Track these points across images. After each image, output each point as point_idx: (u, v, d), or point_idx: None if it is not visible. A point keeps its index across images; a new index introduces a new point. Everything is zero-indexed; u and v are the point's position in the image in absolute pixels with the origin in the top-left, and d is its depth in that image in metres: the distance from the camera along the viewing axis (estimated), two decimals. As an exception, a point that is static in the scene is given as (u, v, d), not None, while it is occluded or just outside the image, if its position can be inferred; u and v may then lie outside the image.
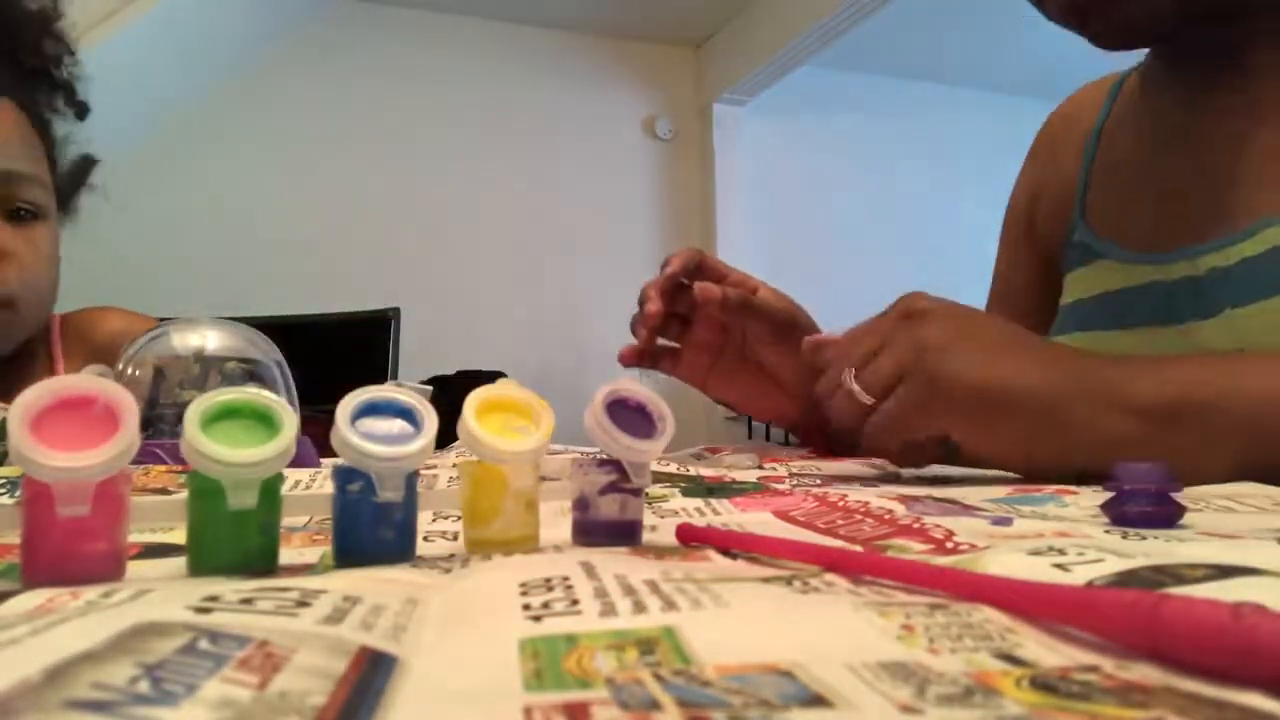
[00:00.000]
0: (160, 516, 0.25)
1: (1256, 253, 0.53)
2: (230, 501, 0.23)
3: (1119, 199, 0.65)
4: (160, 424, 0.51)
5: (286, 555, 0.26)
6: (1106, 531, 0.29)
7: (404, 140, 3.07)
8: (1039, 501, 0.37)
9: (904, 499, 0.36)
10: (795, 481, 0.45)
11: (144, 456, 0.43)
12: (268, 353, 0.57)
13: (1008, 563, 0.23)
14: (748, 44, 3.23)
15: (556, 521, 0.31)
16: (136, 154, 2.70)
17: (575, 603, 0.19)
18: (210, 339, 0.54)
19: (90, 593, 0.20)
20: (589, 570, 0.21)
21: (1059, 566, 0.22)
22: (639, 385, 0.29)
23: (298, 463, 0.33)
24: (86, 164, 0.90)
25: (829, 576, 0.22)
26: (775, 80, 3.27)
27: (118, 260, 2.64)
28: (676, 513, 0.35)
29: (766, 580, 0.21)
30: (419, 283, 2.92)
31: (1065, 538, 0.26)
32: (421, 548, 0.27)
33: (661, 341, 0.65)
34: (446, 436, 0.29)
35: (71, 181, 0.88)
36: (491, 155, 3.09)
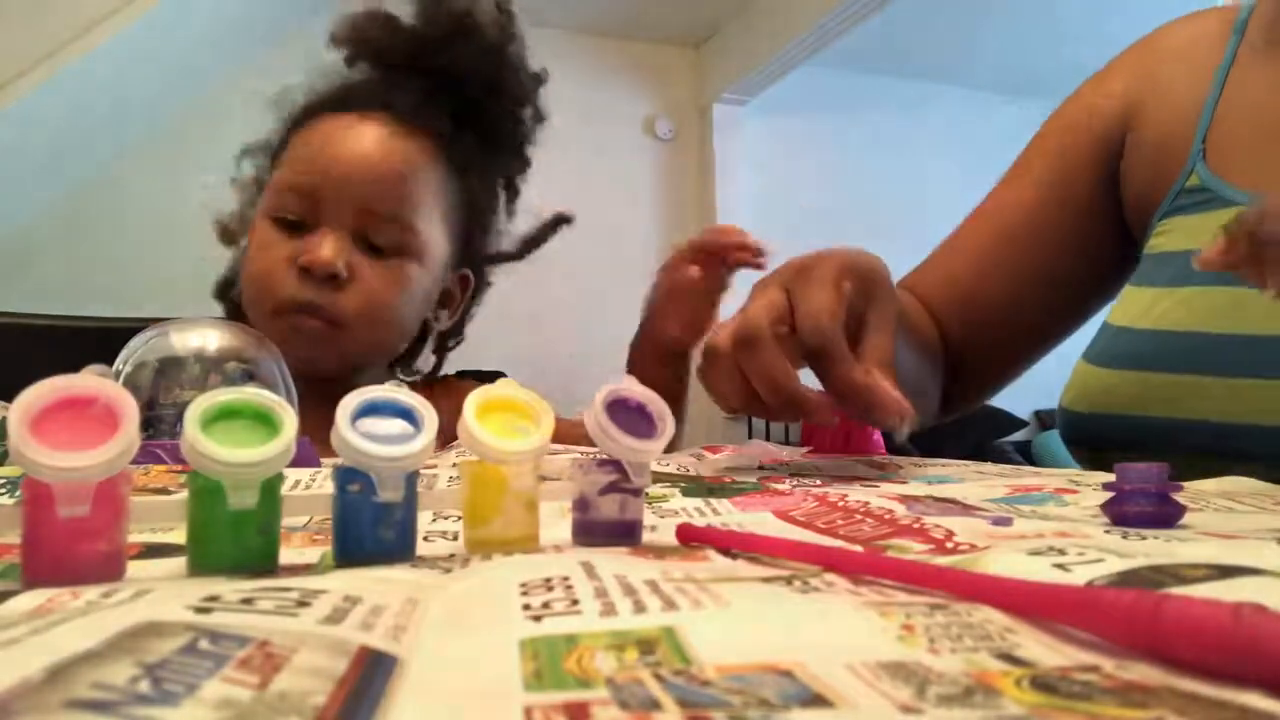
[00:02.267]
0: (160, 516, 0.25)
1: None
2: (230, 501, 0.23)
3: (1257, 147, 0.59)
4: (160, 424, 0.50)
5: (286, 555, 0.26)
6: (1106, 531, 0.29)
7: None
8: (1039, 501, 0.37)
9: (904, 499, 0.36)
10: (795, 482, 0.45)
11: (144, 456, 0.42)
12: (268, 353, 0.57)
13: (1008, 563, 0.23)
14: (748, 44, 3.23)
15: (556, 521, 0.31)
16: (138, 153, 2.70)
17: (575, 603, 0.19)
18: (211, 339, 0.54)
19: (90, 593, 0.20)
20: (589, 570, 0.21)
21: (1059, 566, 0.22)
22: (639, 385, 0.29)
23: (298, 463, 0.33)
24: (556, 222, 0.94)
25: (829, 576, 0.22)
26: (775, 80, 3.27)
27: (118, 261, 2.64)
28: (676, 513, 0.35)
29: (766, 580, 0.21)
30: (419, 283, 2.91)
31: (1065, 538, 0.26)
32: (421, 548, 0.27)
33: None
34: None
35: (536, 236, 0.93)
36: (491, 155, 3.09)
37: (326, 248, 0.73)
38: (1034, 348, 0.73)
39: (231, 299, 0.86)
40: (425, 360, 0.93)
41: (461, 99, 0.82)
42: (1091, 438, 0.59)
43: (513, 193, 0.91)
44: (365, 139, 0.76)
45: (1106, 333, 0.61)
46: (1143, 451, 0.53)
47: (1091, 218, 0.68)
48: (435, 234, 0.80)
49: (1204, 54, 0.64)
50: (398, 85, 0.80)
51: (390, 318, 0.78)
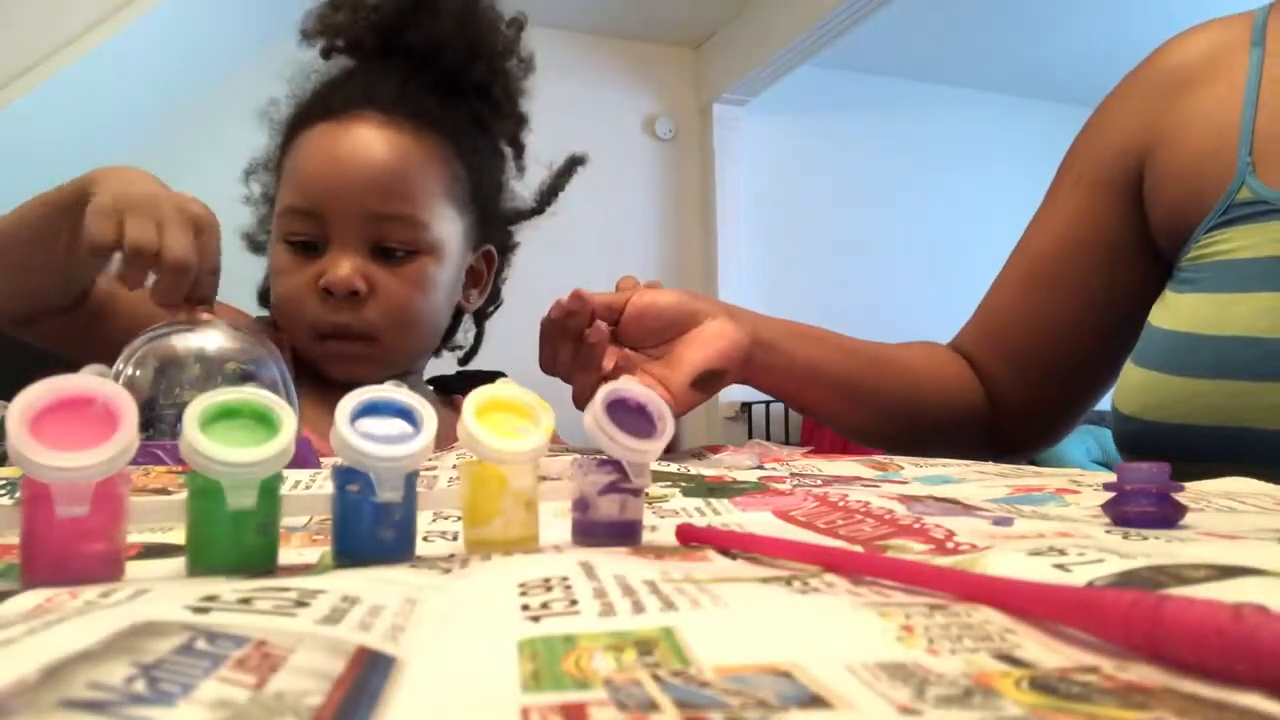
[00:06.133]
0: (160, 516, 0.25)
1: None
2: (229, 502, 0.23)
3: None
4: (160, 424, 0.50)
5: (286, 555, 0.26)
6: (1107, 532, 0.29)
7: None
8: (1040, 501, 0.37)
9: (905, 499, 0.36)
10: (796, 481, 0.45)
11: (144, 457, 0.42)
12: (268, 353, 0.57)
13: (1008, 563, 0.23)
14: (748, 44, 3.23)
15: (556, 521, 0.31)
16: (138, 155, 2.70)
17: (574, 603, 0.19)
18: (211, 339, 0.54)
19: (89, 593, 0.20)
20: (588, 570, 0.21)
21: (1060, 567, 0.22)
22: (639, 385, 0.29)
23: (298, 463, 0.33)
24: (571, 165, 0.94)
25: (829, 576, 0.22)
26: (775, 80, 3.27)
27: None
28: (676, 513, 0.35)
29: (766, 580, 0.21)
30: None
31: (1066, 538, 0.26)
32: (421, 548, 0.27)
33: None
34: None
35: (552, 185, 0.94)
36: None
37: (343, 266, 0.73)
38: (1086, 372, 0.73)
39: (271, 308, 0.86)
40: (465, 335, 0.95)
41: (443, 70, 0.81)
42: (1166, 449, 0.58)
43: (518, 149, 0.90)
44: (356, 146, 0.75)
45: (1170, 339, 0.60)
46: (1227, 461, 0.51)
47: (1122, 238, 0.69)
48: (446, 222, 0.79)
49: (1226, 71, 0.65)
50: (375, 76, 0.79)
51: (418, 320, 0.79)
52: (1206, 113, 0.65)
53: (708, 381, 0.60)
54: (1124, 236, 0.69)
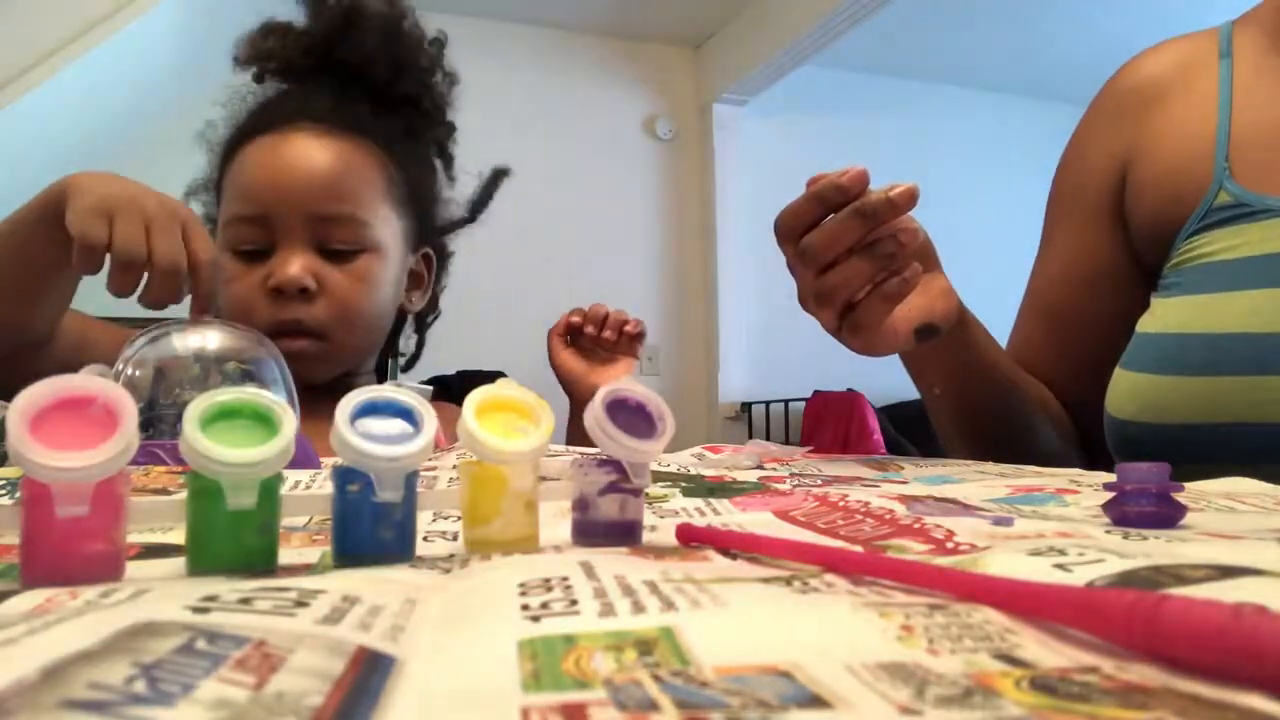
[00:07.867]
0: (160, 516, 0.25)
1: None
2: (229, 502, 0.23)
3: None
4: (160, 424, 0.50)
5: (286, 555, 0.26)
6: (1107, 532, 0.29)
7: (404, 140, 3.07)
8: (1040, 501, 0.37)
9: (904, 499, 0.36)
10: (796, 481, 0.45)
11: (144, 457, 0.42)
12: (268, 353, 0.57)
13: (1008, 563, 0.23)
14: (748, 44, 3.23)
15: (556, 521, 0.31)
16: (137, 155, 2.70)
17: (574, 603, 0.19)
18: (210, 339, 0.54)
19: (89, 593, 0.20)
20: (588, 570, 0.21)
21: (1060, 567, 0.22)
22: (639, 385, 0.29)
23: (298, 463, 0.33)
24: (496, 177, 1.00)
25: (829, 576, 0.22)
26: (775, 80, 3.27)
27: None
28: (676, 513, 0.35)
29: (766, 580, 0.21)
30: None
31: (1066, 538, 0.26)
32: (421, 548, 0.27)
33: None
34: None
35: (482, 195, 0.99)
36: (491, 155, 3.08)
37: (292, 265, 0.76)
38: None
39: None
40: (407, 342, 0.97)
41: (372, 85, 0.85)
42: (1162, 450, 0.58)
43: (448, 160, 0.95)
44: (296, 153, 0.79)
45: (1159, 341, 0.60)
46: (1223, 458, 0.51)
47: (1121, 262, 0.70)
48: (386, 222, 0.83)
49: (1197, 82, 0.67)
50: (310, 93, 0.83)
51: (365, 316, 0.81)
52: (1181, 122, 0.67)
53: (924, 334, 0.60)
54: (1123, 259, 0.70)
